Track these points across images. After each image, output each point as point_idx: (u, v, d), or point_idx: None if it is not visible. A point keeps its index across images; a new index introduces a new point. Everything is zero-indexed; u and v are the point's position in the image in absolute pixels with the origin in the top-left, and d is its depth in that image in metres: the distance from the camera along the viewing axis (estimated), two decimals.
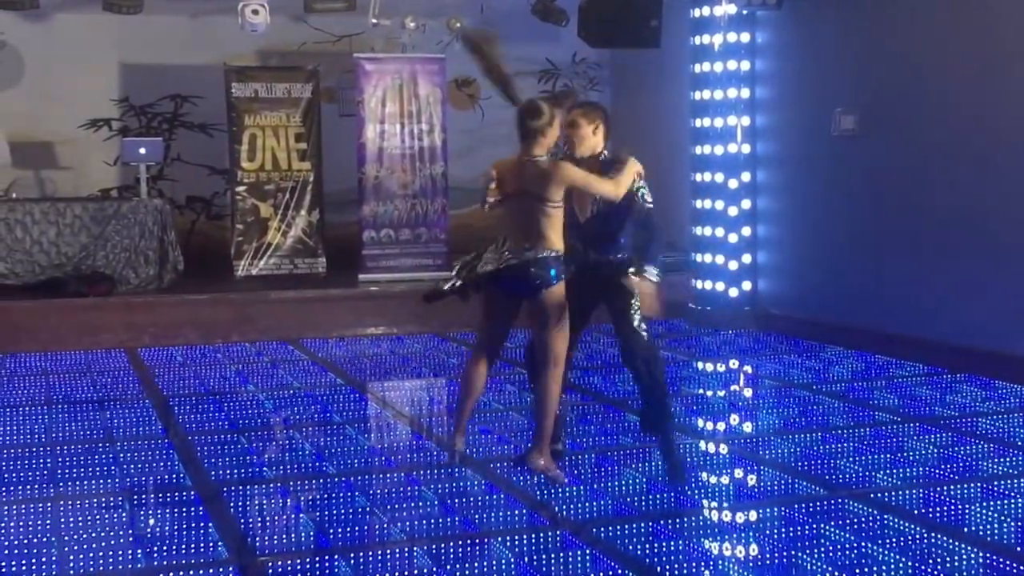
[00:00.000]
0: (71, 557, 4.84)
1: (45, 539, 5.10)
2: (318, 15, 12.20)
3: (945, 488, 5.65)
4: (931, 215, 8.94)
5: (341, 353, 9.86)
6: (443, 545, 4.94)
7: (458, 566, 4.70)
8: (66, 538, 5.09)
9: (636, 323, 5.80)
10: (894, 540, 4.94)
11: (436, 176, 11.69)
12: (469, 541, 5.00)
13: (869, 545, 4.86)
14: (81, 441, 6.89)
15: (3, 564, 4.77)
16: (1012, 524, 5.12)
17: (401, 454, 6.73)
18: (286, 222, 11.77)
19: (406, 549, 4.92)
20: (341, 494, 5.74)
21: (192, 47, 12.55)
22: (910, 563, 4.65)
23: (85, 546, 4.96)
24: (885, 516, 5.25)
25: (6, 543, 5.04)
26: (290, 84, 11.83)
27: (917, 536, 5.00)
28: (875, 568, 4.63)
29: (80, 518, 5.39)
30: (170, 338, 10.20)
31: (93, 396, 8.18)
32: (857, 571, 4.59)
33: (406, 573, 4.66)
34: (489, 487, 5.82)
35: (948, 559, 4.72)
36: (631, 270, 5.73)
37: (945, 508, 5.38)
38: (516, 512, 5.41)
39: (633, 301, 5.78)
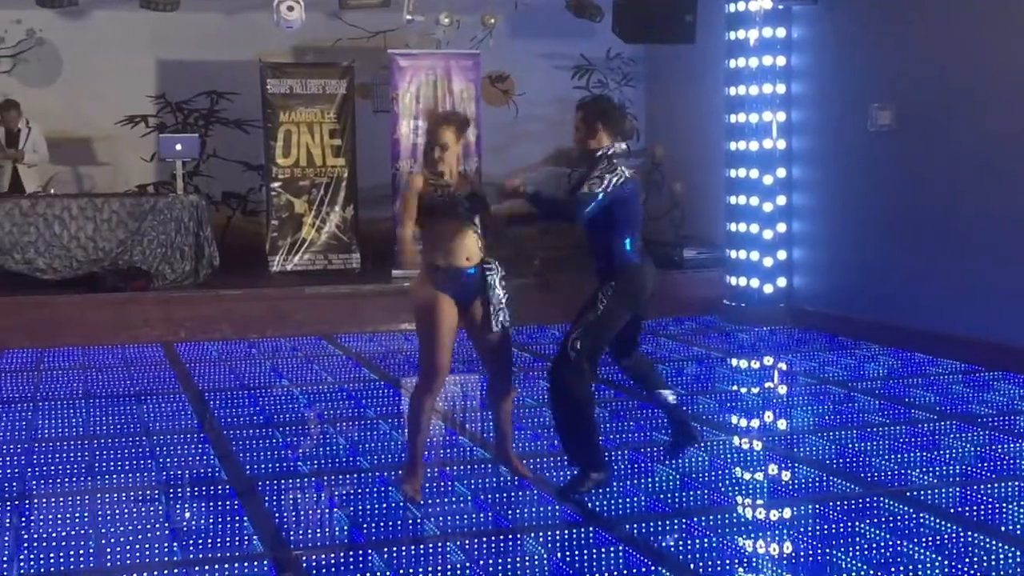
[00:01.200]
0: (108, 549, 4.89)
1: (83, 531, 5.15)
2: (353, 11, 12.24)
3: (982, 486, 5.61)
4: (968, 211, 8.85)
5: (375, 348, 9.89)
6: (476, 540, 4.95)
7: (491, 561, 4.71)
8: (103, 530, 5.14)
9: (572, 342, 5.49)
10: (930, 538, 4.91)
11: (470, 172, 11.67)
12: (502, 536, 5.01)
13: (905, 543, 4.83)
14: (118, 435, 6.95)
15: (43, 555, 4.83)
16: None
17: (434, 449, 6.74)
18: (320, 218, 11.81)
19: (439, 544, 4.93)
20: (375, 489, 5.76)
21: (228, 44, 12.62)
22: (946, 561, 4.62)
23: (122, 538, 5.01)
24: (921, 514, 5.21)
25: (45, 535, 5.10)
26: (325, 80, 11.87)
27: (953, 534, 4.96)
28: (911, 566, 4.60)
29: (117, 511, 5.44)
30: (206, 333, 10.28)
31: (130, 390, 8.25)
32: (892, 569, 4.56)
33: (439, 568, 4.67)
34: (522, 483, 5.82)
35: (985, 558, 4.68)
36: None
37: (982, 506, 5.33)
38: (549, 508, 5.41)
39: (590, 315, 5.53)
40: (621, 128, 5.76)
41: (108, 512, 5.42)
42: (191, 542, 5.00)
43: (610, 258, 5.56)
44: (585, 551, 4.79)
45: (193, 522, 5.33)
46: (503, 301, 5.44)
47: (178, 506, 5.60)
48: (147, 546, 4.93)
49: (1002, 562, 4.64)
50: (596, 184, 5.47)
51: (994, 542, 4.83)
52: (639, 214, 5.65)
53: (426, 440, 5.62)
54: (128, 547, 4.91)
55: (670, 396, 5.85)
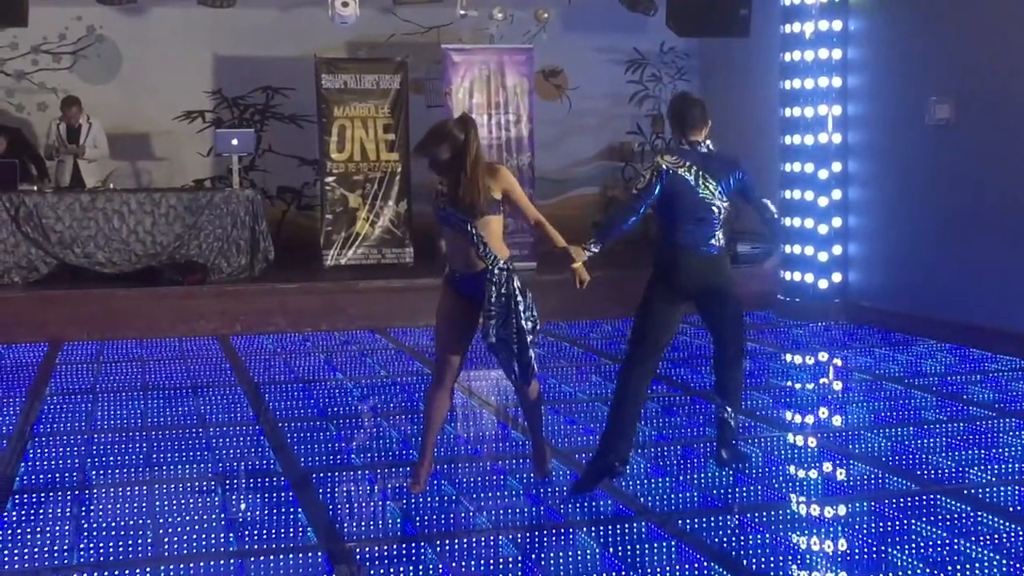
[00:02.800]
0: (166, 539, 4.96)
1: (141, 521, 5.23)
2: (406, 7, 12.28)
3: None
4: None
5: (428, 342, 9.92)
6: (527, 534, 4.96)
7: (542, 555, 4.72)
8: (161, 520, 5.22)
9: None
10: (988, 537, 4.84)
11: (523, 166, 11.70)
12: (554, 530, 5.02)
13: (962, 542, 4.77)
14: (176, 426, 7.04)
15: (102, 544, 4.90)
16: None
17: (487, 443, 6.76)
18: (374, 212, 11.87)
19: (492, 537, 4.94)
20: (428, 482, 5.78)
21: (283, 40, 12.72)
22: (1004, 561, 4.55)
23: (179, 528, 5.08)
24: (979, 512, 5.14)
25: (104, 524, 5.18)
26: (379, 75, 11.92)
27: (1012, 533, 4.89)
28: (968, 565, 4.55)
29: (174, 501, 5.51)
30: (261, 326, 10.37)
31: (187, 382, 8.35)
32: (949, 568, 4.51)
33: (491, 561, 4.69)
34: (575, 476, 5.82)
35: None
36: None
37: None
38: (602, 502, 5.41)
39: None
40: (681, 123, 5.65)
41: (165, 502, 5.49)
42: (246, 533, 5.05)
43: (656, 246, 5.58)
44: (637, 546, 4.79)
45: (248, 513, 5.39)
46: (494, 310, 5.33)
47: (234, 497, 5.66)
48: (203, 536, 4.99)
49: None
50: (634, 185, 5.57)
51: None
52: (677, 203, 5.51)
53: (436, 434, 5.69)
54: (185, 537, 4.98)
55: (729, 416, 5.59)
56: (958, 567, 4.52)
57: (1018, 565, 4.51)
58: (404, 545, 4.88)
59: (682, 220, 5.51)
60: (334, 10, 10.93)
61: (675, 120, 5.67)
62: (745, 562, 4.65)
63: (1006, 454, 6.12)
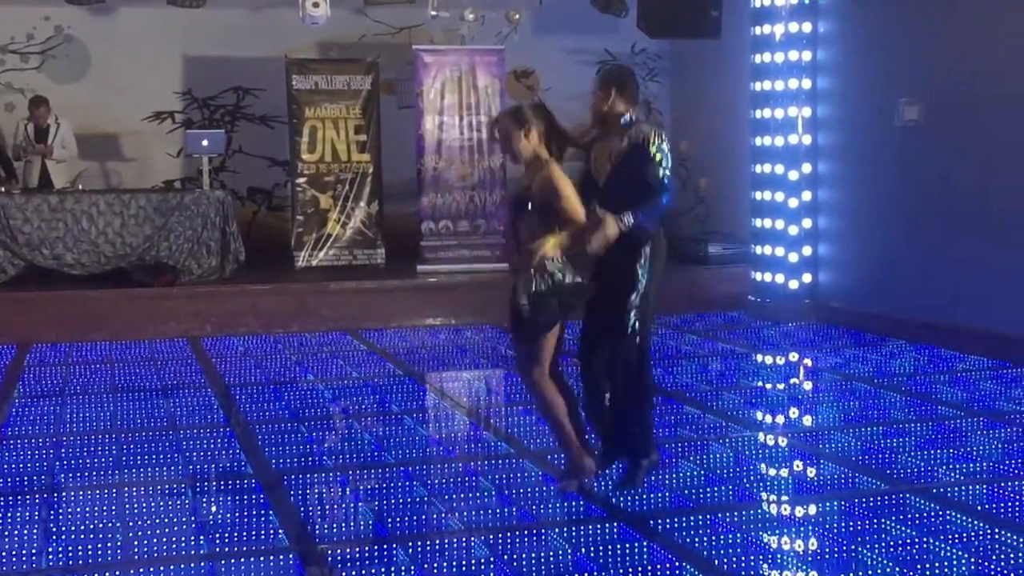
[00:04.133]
0: (135, 542, 4.93)
1: (111, 524, 5.19)
2: (378, 7, 12.26)
3: (1009, 484, 5.57)
4: (995, 207, 8.79)
5: (400, 343, 9.92)
6: (500, 535, 4.96)
7: (515, 556, 4.72)
8: (131, 523, 5.18)
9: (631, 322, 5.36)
10: (957, 536, 4.88)
11: (494, 168, 11.72)
12: (526, 532, 5.02)
13: (931, 540, 4.81)
14: (145, 429, 7.00)
15: (71, 548, 4.87)
16: None
17: (459, 444, 6.76)
18: (346, 213, 11.85)
19: (464, 539, 4.94)
20: (399, 483, 5.78)
21: (253, 40, 12.68)
22: (973, 559, 4.59)
23: (149, 531, 5.05)
24: (948, 511, 5.18)
25: (74, 527, 5.14)
26: (350, 76, 11.90)
27: (980, 532, 4.93)
28: (937, 563, 4.58)
29: (144, 504, 5.48)
30: (232, 327, 10.33)
31: (157, 384, 8.31)
32: (918, 566, 4.54)
33: (463, 563, 4.69)
34: (546, 478, 5.83)
35: (1012, 556, 4.65)
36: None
37: (1009, 504, 5.30)
38: (573, 503, 5.41)
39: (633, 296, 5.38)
40: (635, 95, 5.66)
41: (135, 505, 5.46)
42: (217, 535, 5.03)
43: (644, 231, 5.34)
44: (609, 547, 4.79)
45: (219, 516, 5.36)
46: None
47: (204, 500, 5.63)
48: (174, 539, 4.96)
49: None
50: (655, 164, 5.37)
51: (1021, 540, 4.80)
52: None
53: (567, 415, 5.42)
54: (155, 540, 4.94)
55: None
56: (927, 566, 4.55)
57: (986, 563, 4.55)
58: (376, 547, 4.87)
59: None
60: (305, 11, 10.89)
61: (630, 91, 5.65)
62: (717, 562, 4.66)
63: (974, 453, 6.17)
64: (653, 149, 5.41)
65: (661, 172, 5.40)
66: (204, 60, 12.86)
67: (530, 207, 5.27)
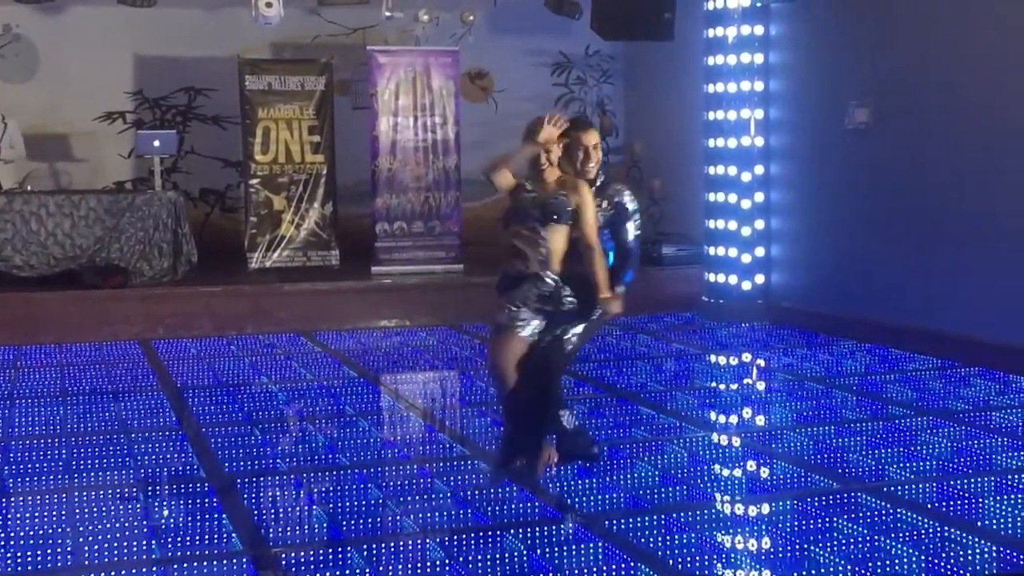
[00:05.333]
0: (86, 548, 4.87)
1: (61, 529, 5.13)
2: (331, 8, 12.20)
3: (959, 482, 5.65)
4: (944, 208, 8.91)
5: (354, 345, 9.88)
6: (455, 537, 4.96)
7: (470, 558, 4.72)
8: (81, 528, 5.13)
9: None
10: (907, 533, 4.94)
11: (449, 169, 11.70)
12: (481, 533, 5.02)
13: (882, 538, 4.86)
14: (96, 432, 6.92)
15: (20, 554, 4.81)
16: None
17: (414, 446, 6.75)
18: (299, 215, 11.78)
19: (419, 541, 4.93)
20: (354, 486, 5.76)
21: (206, 40, 12.58)
22: (923, 556, 4.65)
23: (100, 537, 5.00)
24: (898, 509, 5.24)
25: (23, 533, 5.08)
26: (303, 77, 11.83)
27: (930, 530, 4.99)
28: (888, 561, 4.63)
29: (95, 509, 5.42)
30: (184, 330, 10.24)
31: (108, 387, 8.22)
32: (870, 564, 4.59)
33: (418, 565, 4.68)
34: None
35: (961, 553, 4.72)
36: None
37: (958, 502, 5.37)
38: (529, 505, 5.42)
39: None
40: None
41: (86, 510, 5.40)
42: (169, 540, 4.98)
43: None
44: (564, 547, 4.81)
45: (171, 520, 5.32)
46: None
47: (156, 504, 5.58)
48: (125, 544, 4.91)
49: (978, 557, 4.68)
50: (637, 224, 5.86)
51: (970, 537, 4.87)
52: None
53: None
54: (106, 545, 4.89)
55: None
56: (878, 563, 4.61)
57: (936, 560, 4.61)
58: (330, 550, 4.85)
59: None
60: (257, 11, 10.82)
61: None
62: (671, 562, 4.69)
63: (924, 452, 6.25)
64: (631, 208, 5.79)
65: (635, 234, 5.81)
66: (155, 60, 12.75)
67: (555, 218, 5.52)
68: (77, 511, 5.38)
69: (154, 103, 12.87)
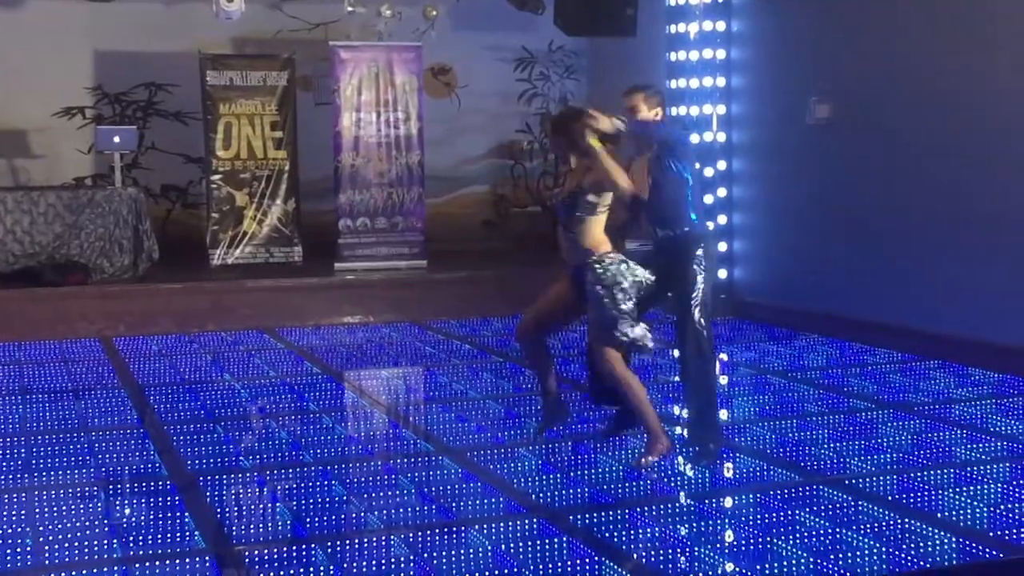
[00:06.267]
0: (47, 547, 4.83)
1: (20, 529, 5.08)
2: (293, 3, 12.14)
3: (919, 474, 5.70)
4: (904, 203, 8.99)
5: (317, 342, 9.84)
6: (420, 533, 4.95)
7: (435, 554, 4.71)
8: (41, 528, 5.07)
9: (696, 318, 5.90)
10: (869, 526, 4.98)
11: (412, 165, 11.67)
12: (446, 529, 5.02)
13: (844, 531, 4.90)
14: (56, 431, 6.86)
15: None
16: (984, 510, 5.17)
17: (378, 443, 6.73)
18: (262, 211, 11.73)
19: (383, 537, 4.92)
20: (318, 483, 5.74)
21: (167, 35, 12.47)
22: (884, 548, 4.69)
23: (60, 536, 4.95)
24: (860, 502, 5.29)
25: None
26: (265, 72, 11.77)
27: (891, 522, 5.04)
28: (850, 554, 4.67)
29: (55, 508, 5.37)
30: (145, 327, 10.16)
31: (68, 385, 8.14)
32: (832, 557, 4.63)
33: (383, 562, 4.67)
34: (466, 475, 5.83)
35: (922, 544, 4.76)
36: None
37: (919, 494, 5.42)
38: (493, 500, 5.42)
39: (694, 294, 5.89)
40: None
41: (46, 509, 5.34)
42: (131, 539, 4.94)
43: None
44: (529, 543, 4.81)
45: (133, 518, 5.28)
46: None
47: (118, 502, 5.54)
48: (86, 543, 4.86)
49: (939, 548, 4.72)
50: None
51: (931, 529, 4.92)
52: None
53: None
54: (67, 544, 4.84)
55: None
56: (840, 555, 4.64)
57: (897, 552, 4.65)
58: (294, 547, 4.83)
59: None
60: (219, 5, 10.74)
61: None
62: (635, 556, 4.70)
63: (885, 444, 6.30)
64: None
65: None
66: (115, 55, 12.62)
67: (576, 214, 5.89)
68: (37, 511, 5.33)
69: (114, 98, 12.75)
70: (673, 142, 5.96)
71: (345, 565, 4.63)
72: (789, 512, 5.18)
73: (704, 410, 6.02)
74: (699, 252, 5.89)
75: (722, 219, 10.81)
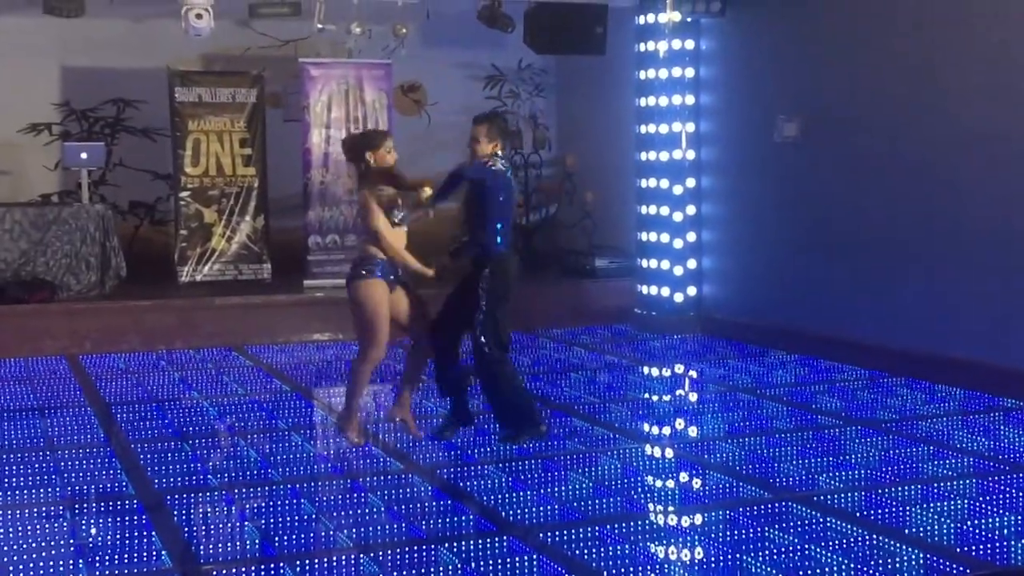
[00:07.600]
0: (11, 567, 4.77)
1: None
2: (263, 20, 12.11)
3: (886, 490, 5.73)
4: (871, 221, 9.07)
5: (286, 359, 9.80)
6: (390, 552, 4.93)
7: (405, 573, 4.69)
8: (6, 548, 5.02)
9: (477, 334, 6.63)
10: (836, 542, 5.00)
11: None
12: (416, 547, 5.00)
13: (812, 547, 4.92)
14: (22, 449, 6.79)
15: None
16: (951, 525, 5.20)
17: (347, 461, 6.70)
18: (231, 228, 11.67)
19: (352, 556, 4.90)
20: (286, 501, 5.71)
21: (135, 51, 12.40)
22: (852, 565, 4.71)
23: (26, 556, 4.89)
24: (828, 518, 5.31)
25: None
26: (235, 89, 11.74)
27: (859, 538, 5.06)
28: (818, 570, 4.69)
29: (21, 527, 5.31)
30: (112, 345, 10.09)
31: (34, 404, 8.07)
32: (801, 573, 4.64)
33: None
34: (436, 493, 5.82)
35: (889, 560, 4.79)
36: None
37: (886, 510, 5.45)
38: (463, 518, 5.41)
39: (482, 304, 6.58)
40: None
41: (11, 529, 5.29)
42: (97, 559, 4.90)
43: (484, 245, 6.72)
44: (499, 560, 4.80)
45: (99, 538, 5.23)
46: None
47: (84, 522, 5.48)
48: (52, 563, 4.81)
49: (906, 564, 4.75)
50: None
51: (898, 544, 4.95)
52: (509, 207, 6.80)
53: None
54: (32, 564, 4.79)
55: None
56: (809, 572, 4.66)
57: (865, 568, 4.68)
58: (263, 567, 4.79)
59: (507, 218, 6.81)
60: (188, 22, 10.68)
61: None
62: (605, 573, 4.70)
63: (853, 461, 6.34)
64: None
65: None
66: (83, 71, 12.55)
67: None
68: (2, 530, 5.27)
69: (82, 115, 12.66)
70: (479, 181, 6.80)
71: None
72: (758, 529, 5.20)
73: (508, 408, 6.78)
74: (486, 272, 6.62)
75: (691, 236, 10.86)
